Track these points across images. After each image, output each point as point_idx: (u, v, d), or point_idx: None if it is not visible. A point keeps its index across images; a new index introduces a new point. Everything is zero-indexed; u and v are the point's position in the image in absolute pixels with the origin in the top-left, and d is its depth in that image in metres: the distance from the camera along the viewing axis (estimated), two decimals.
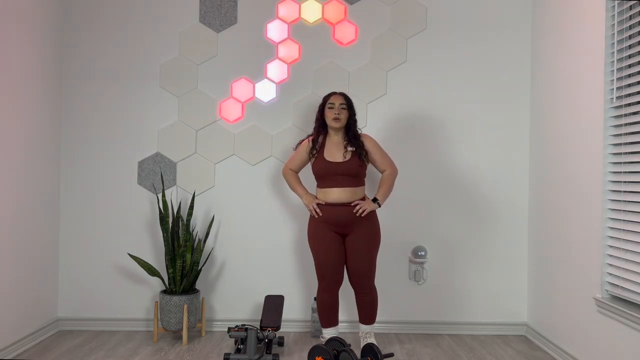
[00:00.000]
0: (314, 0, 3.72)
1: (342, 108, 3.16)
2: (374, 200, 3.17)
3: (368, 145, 3.21)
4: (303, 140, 3.31)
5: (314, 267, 3.25)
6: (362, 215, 3.10)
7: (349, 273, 3.20)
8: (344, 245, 3.18)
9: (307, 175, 3.35)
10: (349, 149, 3.14)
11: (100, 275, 3.72)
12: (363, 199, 3.17)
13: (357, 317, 3.36)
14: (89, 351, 3.28)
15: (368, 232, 3.15)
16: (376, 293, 3.25)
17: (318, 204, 3.16)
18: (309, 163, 3.28)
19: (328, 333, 3.24)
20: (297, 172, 3.34)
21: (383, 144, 3.68)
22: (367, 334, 3.25)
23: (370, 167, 3.29)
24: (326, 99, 3.21)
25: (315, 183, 3.25)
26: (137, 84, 3.73)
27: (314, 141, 3.22)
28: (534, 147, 3.65)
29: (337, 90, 3.32)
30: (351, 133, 3.18)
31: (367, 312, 3.25)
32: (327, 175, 3.15)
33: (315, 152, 3.20)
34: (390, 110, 3.72)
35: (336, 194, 3.12)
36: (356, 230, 3.13)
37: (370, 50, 3.73)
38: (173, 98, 3.74)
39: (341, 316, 3.40)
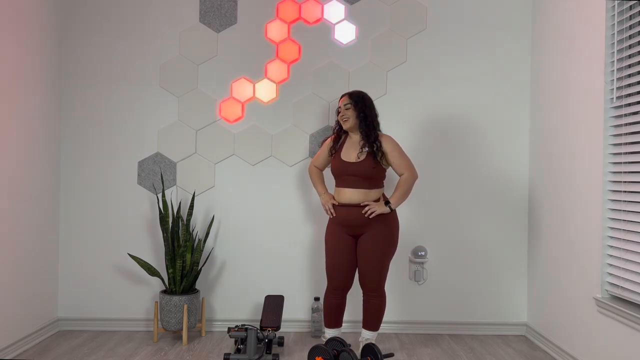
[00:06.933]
0: (314, 0, 3.73)
1: (347, 108, 3.12)
2: (386, 203, 3.09)
3: (386, 146, 3.10)
4: (327, 138, 3.33)
5: (325, 267, 3.25)
6: (370, 217, 3.04)
7: (359, 273, 3.16)
8: (356, 248, 3.14)
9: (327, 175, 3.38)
10: (365, 149, 3.09)
11: (100, 275, 3.72)
12: (378, 200, 3.12)
13: (359, 318, 3.35)
14: (89, 351, 3.28)
15: (381, 234, 3.08)
16: (385, 299, 3.17)
17: (333, 205, 3.15)
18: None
19: (330, 333, 3.23)
20: (321, 169, 3.32)
21: None
22: (367, 341, 3.16)
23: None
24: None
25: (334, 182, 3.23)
26: (137, 84, 3.73)
27: (335, 140, 3.23)
28: (534, 147, 3.65)
29: (348, 91, 3.25)
30: (364, 132, 3.11)
31: (373, 316, 3.18)
32: (341, 174, 3.12)
33: (334, 151, 3.19)
34: (390, 110, 3.72)
35: (348, 195, 3.09)
36: (369, 232, 3.08)
37: (370, 50, 3.73)
38: (173, 98, 3.74)
39: (344, 316, 3.37)
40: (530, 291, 3.68)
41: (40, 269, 3.49)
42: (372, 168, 3.07)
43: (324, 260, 3.26)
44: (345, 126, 3.14)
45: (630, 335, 2.55)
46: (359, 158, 3.08)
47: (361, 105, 3.12)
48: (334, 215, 3.13)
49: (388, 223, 3.12)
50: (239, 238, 3.74)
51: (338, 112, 3.20)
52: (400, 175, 3.16)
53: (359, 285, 3.20)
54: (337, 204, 3.13)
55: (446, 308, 3.72)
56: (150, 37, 3.74)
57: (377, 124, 3.17)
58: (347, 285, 3.20)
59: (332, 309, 3.21)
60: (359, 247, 3.12)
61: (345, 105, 3.14)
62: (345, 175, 3.10)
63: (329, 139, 3.28)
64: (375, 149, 3.08)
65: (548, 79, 3.46)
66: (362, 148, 3.10)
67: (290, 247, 3.73)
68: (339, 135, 3.23)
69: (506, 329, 3.71)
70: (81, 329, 3.70)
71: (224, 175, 3.75)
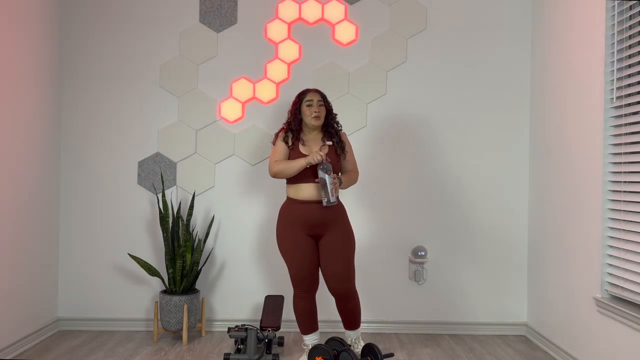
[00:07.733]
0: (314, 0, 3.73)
1: (320, 105, 3.01)
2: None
3: (345, 142, 3.10)
4: (278, 132, 3.10)
5: (288, 272, 3.07)
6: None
7: (328, 280, 2.99)
8: (317, 249, 3.01)
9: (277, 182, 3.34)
10: (327, 142, 3.01)
11: (100, 276, 3.72)
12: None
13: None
14: (89, 351, 3.28)
15: (343, 233, 2.99)
16: (358, 297, 3.10)
17: (288, 201, 3.01)
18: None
19: (310, 339, 3.10)
20: None
21: (382, 143, 3.72)
22: (355, 340, 3.15)
23: None
24: (302, 96, 3.04)
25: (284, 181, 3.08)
26: (137, 84, 3.73)
27: (289, 131, 3.03)
28: (534, 146, 3.65)
29: (311, 88, 3.14)
30: (330, 127, 3.05)
31: (352, 318, 3.12)
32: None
33: (291, 144, 2.99)
34: (390, 110, 3.72)
35: (309, 191, 2.94)
36: (329, 232, 2.97)
37: (370, 50, 3.73)
38: (173, 98, 3.74)
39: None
40: (530, 291, 3.68)
41: (40, 269, 3.49)
42: (336, 162, 3.00)
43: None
44: (316, 123, 2.99)
45: (630, 335, 2.55)
46: (321, 151, 2.96)
47: (327, 102, 3.09)
48: (322, 157, 2.85)
49: (345, 220, 3.05)
50: (239, 238, 3.74)
51: (303, 107, 3.01)
52: (349, 171, 3.13)
53: (327, 291, 3.07)
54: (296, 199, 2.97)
55: (446, 308, 3.72)
56: (150, 37, 3.74)
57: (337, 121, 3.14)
58: (316, 287, 3.07)
59: (306, 314, 3.07)
60: (326, 251, 2.97)
61: (319, 101, 3.02)
62: (306, 169, 2.92)
63: (282, 132, 3.06)
64: (337, 142, 3.03)
65: (548, 78, 3.46)
66: (323, 140, 3.02)
67: None
68: (291, 129, 3.03)
69: (506, 329, 3.71)
70: (81, 329, 3.70)
71: (224, 175, 3.75)
